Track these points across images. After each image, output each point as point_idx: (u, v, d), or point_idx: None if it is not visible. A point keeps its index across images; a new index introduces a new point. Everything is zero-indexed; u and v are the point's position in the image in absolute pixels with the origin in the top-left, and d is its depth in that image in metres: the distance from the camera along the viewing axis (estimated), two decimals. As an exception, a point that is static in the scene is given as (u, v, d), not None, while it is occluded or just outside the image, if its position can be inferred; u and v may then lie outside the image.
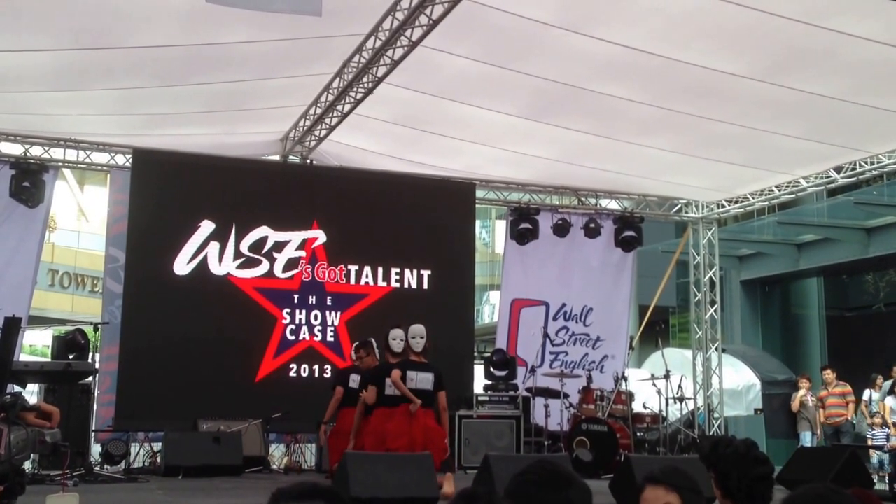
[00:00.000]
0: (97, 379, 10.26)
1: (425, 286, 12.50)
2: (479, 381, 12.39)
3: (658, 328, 16.32)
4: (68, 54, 8.91)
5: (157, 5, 8.02)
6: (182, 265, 11.39)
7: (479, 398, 11.50)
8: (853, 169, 11.98)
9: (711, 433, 13.59)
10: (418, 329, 7.86)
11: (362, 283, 12.20)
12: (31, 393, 10.14)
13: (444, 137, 11.64)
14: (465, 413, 10.92)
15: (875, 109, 9.85)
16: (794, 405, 13.63)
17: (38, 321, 18.61)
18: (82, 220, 28.17)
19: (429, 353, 7.98)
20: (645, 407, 11.93)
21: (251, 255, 11.69)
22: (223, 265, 11.56)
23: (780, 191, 13.22)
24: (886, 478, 10.48)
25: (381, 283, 12.28)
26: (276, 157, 12.82)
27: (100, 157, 11.97)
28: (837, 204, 18.18)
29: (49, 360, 10.60)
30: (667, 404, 11.79)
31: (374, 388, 8.01)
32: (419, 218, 12.59)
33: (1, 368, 6.62)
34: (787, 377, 15.64)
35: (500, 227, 19.88)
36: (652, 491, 2.87)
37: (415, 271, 12.47)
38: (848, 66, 9.03)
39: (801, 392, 13.60)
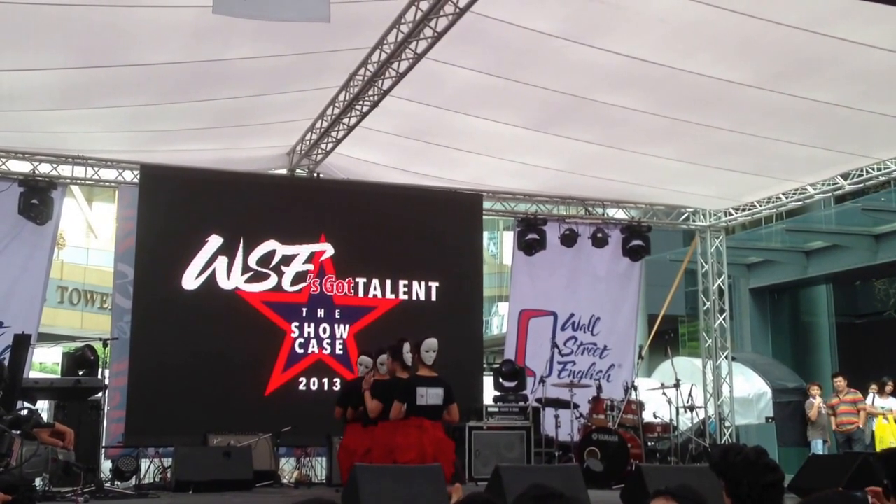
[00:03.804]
0: (107, 395, 10.26)
1: (433, 298, 12.49)
2: (489, 393, 12.37)
3: (667, 337, 16.25)
4: (75, 73, 8.97)
5: (163, 23, 8.06)
6: (190, 280, 11.41)
7: (489, 409, 11.45)
8: (860, 175, 11.97)
9: (723, 442, 13.53)
10: (431, 343, 7.79)
11: (370, 295, 12.20)
12: (42, 410, 10.15)
13: (450, 149, 11.65)
14: (475, 424, 10.86)
15: (881, 116, 9.84)
16: (812, 413, 13.55)
17: (47, 338, 18.62)
18: (91, 237, 28.27)
19: (435, 364, 7.94)
20: (655, 416, 11.89)
21: (259, 269, 11.71)
22: (231, 279, 11.58)
23: (787, 198, 13.20)
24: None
25: (389, 295, 12.29)
26: (283, 171, 12.84)
27: (108, 174, 12.01)
28: (845, 211, 18.13)
29: (59, 376, 10.62)
30: (677, 413, 11.75)
31: (379, 404, 7.98)
32: (427, 230, 12.59)
33: (11, 385, 6.65)
34: (797, 385, 15.57)
35: (508, 238, 19.84)
36: (657, 501, 2.99)
37: (423, 283, 12.47)
38: (853, 73, 9.02)
39: (819, 401, 13.53)
